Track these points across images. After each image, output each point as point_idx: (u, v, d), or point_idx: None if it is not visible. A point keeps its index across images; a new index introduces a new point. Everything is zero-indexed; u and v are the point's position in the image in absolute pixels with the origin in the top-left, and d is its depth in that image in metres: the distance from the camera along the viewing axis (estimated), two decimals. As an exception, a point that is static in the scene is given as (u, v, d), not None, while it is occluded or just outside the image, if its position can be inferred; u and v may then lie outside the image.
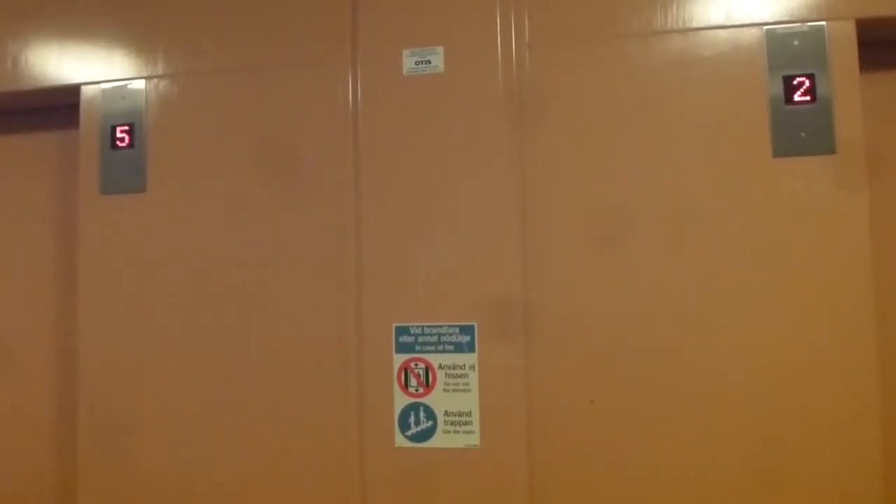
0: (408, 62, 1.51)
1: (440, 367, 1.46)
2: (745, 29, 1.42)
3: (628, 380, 1.40)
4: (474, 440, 1.44)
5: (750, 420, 1.36)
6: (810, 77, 1.39)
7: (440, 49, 1.50)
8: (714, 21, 1.43)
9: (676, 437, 1.38)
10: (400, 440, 1.47)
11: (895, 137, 1.50)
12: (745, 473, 1.36)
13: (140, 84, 1.65)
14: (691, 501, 1.37)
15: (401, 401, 1.47)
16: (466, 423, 1.44)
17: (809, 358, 1.35)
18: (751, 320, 1.37)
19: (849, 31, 1.38)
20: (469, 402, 1.45)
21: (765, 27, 1.41)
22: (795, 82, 1.39)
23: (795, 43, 1.40)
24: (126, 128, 1.64)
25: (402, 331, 1.47)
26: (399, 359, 1.47)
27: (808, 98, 1.39)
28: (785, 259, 1.37)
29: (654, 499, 1.38)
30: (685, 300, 1.40)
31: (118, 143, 1.64)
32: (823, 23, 1.39)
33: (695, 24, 1.44)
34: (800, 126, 1.38)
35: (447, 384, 1.46)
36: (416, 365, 1.47)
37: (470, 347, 1.45)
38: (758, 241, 1.38)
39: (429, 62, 1.50)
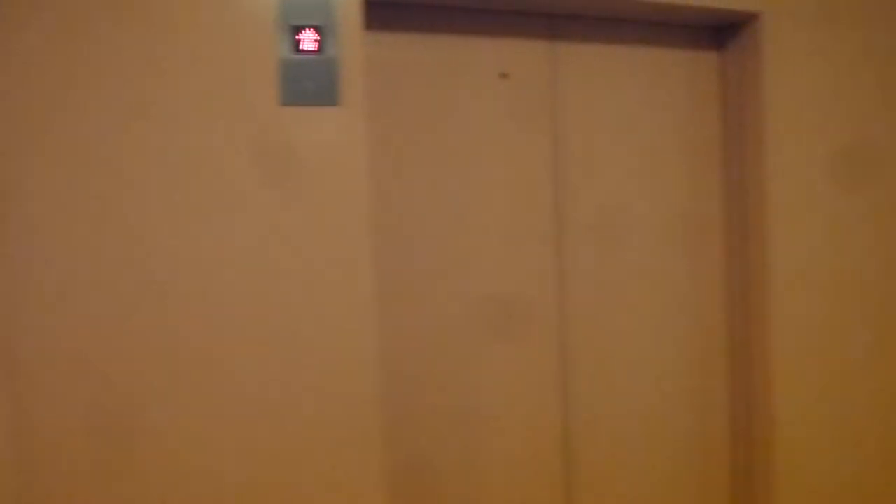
0: None
1: None
2: (253, -25, 1.39)
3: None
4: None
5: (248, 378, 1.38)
6: (317, 29, 1.42)
7: None
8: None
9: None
10: None
11: (396, 93, 1.62)
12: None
13: None
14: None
15: None
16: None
17: (309, 303, 1.40)
18: (251, 269, 1.38)
19: (355, -12, 1.44)
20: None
21: (273, -24, 1.40)
22: (302, 34, 1.41)
23: (305, -5, 1.42)
24: None
25: None
26: None
27: (314, 50, 1.41)
28: (291, 206, 1.39)
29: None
30: (183, 259, 1.35)
31: None
32: (330, -22, 1.43)
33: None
34: (306, 76, 1.41)
35: None
36: None
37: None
38: (264, 188, 1.38)
39: None
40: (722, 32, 1.87)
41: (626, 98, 1.80)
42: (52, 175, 1.27)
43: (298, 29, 1.41)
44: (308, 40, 1.41)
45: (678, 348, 1.85)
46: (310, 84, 1.41)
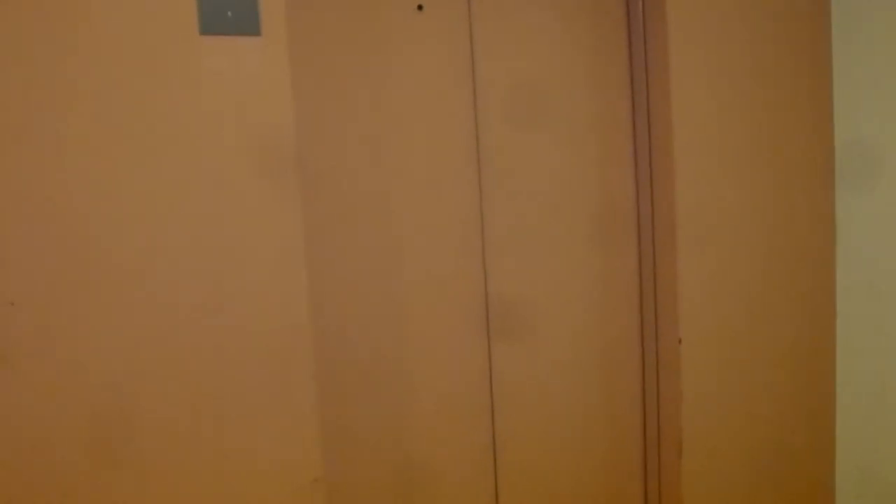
0: None
1: None
2: None
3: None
4: None
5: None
6: (234, -45, 1.37)
7: None
8: None
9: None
10: None
11: (318, 24, 1.60)
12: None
13: None
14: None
15: None
16: None
17: (236, 241, 1.41)
18: (174, 205, 1.36)
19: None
20: None
21: None
22: (219, -41, 1.36)
23: (221, -81, 1.36)
24: None
25: None
26: None
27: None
28: (213, 138, 1.37)
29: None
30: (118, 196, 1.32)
31: None
32: None
33: None
34: (226, 5, 1.37)
35: None
36: None
37: None
38: (185, 119, 1.35)
39: None
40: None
41: (538, 32, 1.85)
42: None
43: (215, -46, 1.36)
44: (227, -33, 1.37)
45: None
46: (230, 12, 1.37)
